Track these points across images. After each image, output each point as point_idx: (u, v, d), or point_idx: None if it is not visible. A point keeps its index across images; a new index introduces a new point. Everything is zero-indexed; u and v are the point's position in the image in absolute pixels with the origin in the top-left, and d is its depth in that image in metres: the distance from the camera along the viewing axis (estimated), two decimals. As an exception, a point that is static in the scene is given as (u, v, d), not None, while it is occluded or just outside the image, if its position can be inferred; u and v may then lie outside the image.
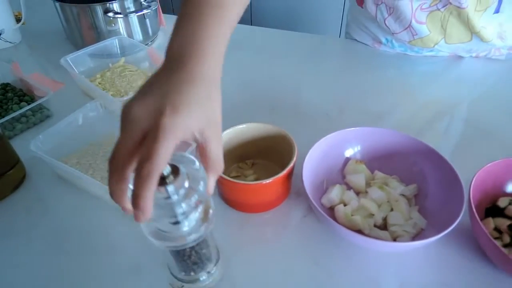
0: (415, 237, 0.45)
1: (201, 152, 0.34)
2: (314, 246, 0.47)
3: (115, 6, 0.78)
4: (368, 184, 0.51)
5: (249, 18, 1.95)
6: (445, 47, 0.78)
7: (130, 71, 0.76)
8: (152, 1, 0.81)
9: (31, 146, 0.52)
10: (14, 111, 0.64)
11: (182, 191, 0.32)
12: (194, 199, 0.33)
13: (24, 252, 0.48)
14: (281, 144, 0.52)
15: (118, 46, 0.79)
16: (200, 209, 0.35)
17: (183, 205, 0.33)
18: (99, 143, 0.60)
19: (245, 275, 0.44)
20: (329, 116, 0.67)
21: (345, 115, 0.67)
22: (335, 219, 0.47)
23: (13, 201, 0.54)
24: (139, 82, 0.72)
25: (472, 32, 0.73)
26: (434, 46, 0.77)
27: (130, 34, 0.84)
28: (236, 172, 0.55)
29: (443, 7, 0.71)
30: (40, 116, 0.67)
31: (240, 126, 0.53)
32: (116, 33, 0.82)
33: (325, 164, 0.52)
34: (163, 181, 0.31)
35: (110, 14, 0.78)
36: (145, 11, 0.80)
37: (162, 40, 0.92)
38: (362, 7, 0.80)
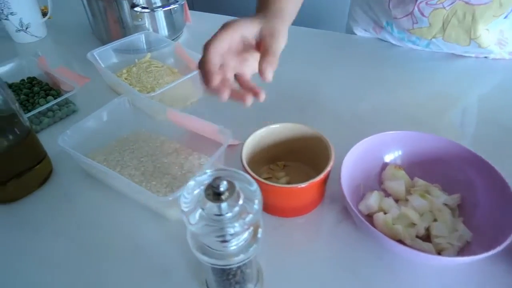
0: (460, 251, 0.42)
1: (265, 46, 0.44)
2: (351, 254, 0.44)
3: (142, 1, 0.77)
4: (408, 192, 0.48)
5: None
6: (442, 44, 0.76)
7: (156, 66, 0.74)
8: (180, -4, 0.79)
9: (58, 141, 0.51)
10: (41, 105, 0.63)
11: (236, 209, 0.30)
12: (247, 219, 0.31)
13: (48, 248, 0.47)
14: (315, 146, 0.50)
15: (144, 41, 0.77)
16: (251, 229, 0.33)
17: (236, 224, 0.31)
18: (126, 140, 0.58)
19: (278, 284, 0.42)
20: (359, 116, 0.64)
21: (376, 115, 0.64)
22: (373, 226, 0.44)
23: (39, 196, 0.53)
24: (166, 78, 0.71)
25: (472, 38, 0.72)
26: (431, 39, 0.76)
27: (155, 30, 0.83)
28: (268, 173, 0.53)
29: (449, 4, 0.69)
30: (67, 110, 0.66)
31: (274, 126, 0.51)
32: (142, 28, 0.81)
33: (362, 168, 0.49)
34: (218, 197, 0.30)
35: (137, 8, 0.77)
36: (172, 6, 0.79)
37: (187, 36, 0.90)
38: None
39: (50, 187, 0.54)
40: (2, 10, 0.83)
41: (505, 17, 0.69)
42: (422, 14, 0.72)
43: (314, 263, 0.44)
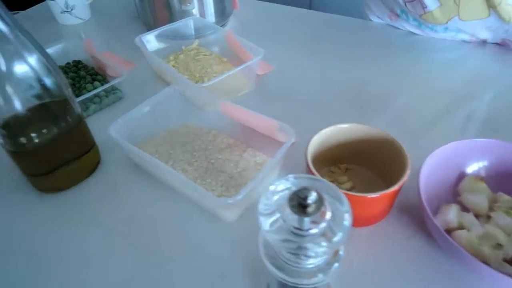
0: (556, 279, 0.37)
1: None
2: (425, 272, 0.40)
3: (192, -15, 0.73)
4: (490, 208, 0.43)
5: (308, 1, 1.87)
6: (460, 24, 0.70)
7: (205, 55, 0.71)
8: (232, -19, 0.75)
9: (109, 130, 0.48)
10: (88, 91, 0.61)
11: (321, 226, 0.27)
12: (335, 239, 0.27)
13: (94, 243, 0.44)
14: (385, 151, 0.45)
15: (193, 28, 0.74)
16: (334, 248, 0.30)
17: (322, 243, 0.27)
18: (176, 132, 0.55)
19: (346, 300, 0.38)
20: (423, 117, 0.59)
21: (446, 119, 0.59)
22: (452, 245, 0.40)
23: (86, 186, 0.51)
24: (215, 67, 0.67)
25: (490, 6, 0.65)
26: (447, 22, 0.70)
27: (203, 15, 0.79)
28: (329, 176, 0.49)
29: None
30: (113, 97, 0.63)
31: (342, 126, 0.46)
32: (188, 13, 0.78)
33: (437, 178, 0.44)
34: (303, 209, 0.26)
35: (188, -8, 0.73)
36: (224, -8, 0.75)
37: (233, 23, 0.86)
38: None
39: (98, 178, 0.52)
40: (48, -10, 0.81)
41: None
42: None
43: (383, 279, 0.40)
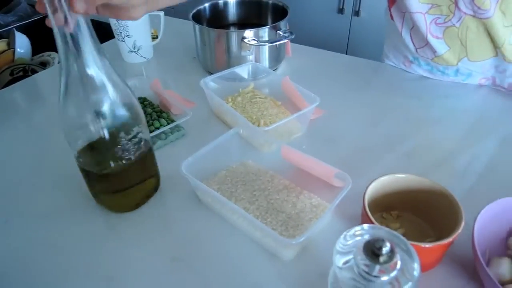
0: None
1: None
2: (478, 325, 0.42)
3: (252, 34, 0.80)
4: (542, 263, 0.45)
5: (345, 48, 1.96)
6: (470, 65, 0.75)
7: (260, 98, 0.76)
8: (289, 32, 0.81)
9: (182, 168, 0.53)
10: (156, 127, 0.67)
11: (392, 275, 0.30)
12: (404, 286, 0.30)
13: (149, 260, 0.49)
14: (439, 202, 0.48)
15: (250, 72, 0.80)
16: None
17: None
18: (236, 171, 0.60)
19: None
20: (470, 170, 0.61)
21: (491, 171, 0.61)
22: (505, 299, 0.41)
23: (143, 212, 0.56)
24: (270, 110, 0.72)
25: (495, 47, 0.70)
26: (458, 64, 0.75)
27: (258, 60, 0.85)
28: (380, 223, 0.52)
29: (458, 21, 0.69)
30: (177, 134, 0.69)
31: (399, 175, 0.50)
32: (246, 59, 0.84)
33: (489, 231, 0.46)
34: (375, 257, 0.30)
35: (249, 41, 0.80)
36: (282, 42, 0.81)
37: (284, 68, 0.92)
38: (392, 20, 0.80)
39: (157, 203, 0.57)
40: (120, 32, 0.91)
41: None
42: (436, 37, 0.73)
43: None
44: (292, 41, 0.91)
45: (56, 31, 0.40)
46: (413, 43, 0.79)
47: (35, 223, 0.55)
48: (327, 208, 0.52)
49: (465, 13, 0.69)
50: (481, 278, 0.43)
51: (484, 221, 0.45)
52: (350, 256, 0.32)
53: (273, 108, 0.73)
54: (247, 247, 0.51)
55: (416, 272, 0.31)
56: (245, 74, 0.81)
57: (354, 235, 0.33)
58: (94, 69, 0.44)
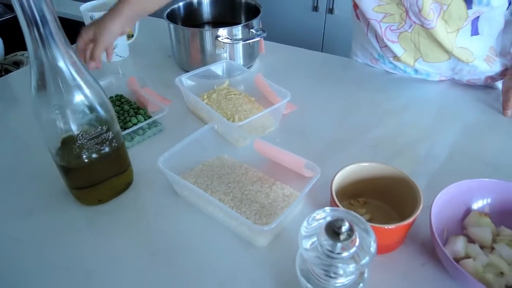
0: (553, 305, 0.42)
1: None
2: (436, 298, 0.45)
3: (225, 33, 0.82)
4: (493, 240, 0.49)
5: (320, 45, 2.01)
6: (426, 65, 0.80)
7: (235, 94, 0.79)
8: (260, 30, 0.84)
9: (158, 163, 0.55)
10: (133, 124, 0.68)
11: (351, 251, 0.33)
12: (362, 262, 0.33)
13: (128, 253, 0.51)
14: (401, 188, 0.52)
15: (224, 69, 0.82)
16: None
17: (349, 266, 0.33)
18: (212, 165, 0.62)
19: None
20: (433, 156, 0.66)
21: (450, 156, 0.65)
22: (460, 273, 0.45)
23: (120, 202, 0.58)
24: (244, 106, 0.75)
25: (447, 51, 0.76)
26: (415, 64, 0.81)
27: (232, 58, 0.88)
28: (348, 209, 0.55)
29: (409, 27, 0.75)
30: (155, 129, 0.71)
31: (363, 164, 0.53)
32: (220, 57, 0.86)
33: (447, 213, 0.50)
34: (336, 236, 0.32)
35: (222, 39, 0.82)
36: (254, 40, 0.84)
37: (258, 65, 0.95)
38: (358, 20, 0.85)
39: (132, 196, 0.59)
40: (95, 32, 0.91)
41: (474, 34, 0.74)
42: (392, 41, 0.78)
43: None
44: (267, 39, 0.93)
45: (23, 25, 0.42)
46: (378, 42, 0.83)
47: (14, 220, 0.56)
48: (298, 197, 0.54)
49: (414, 22, 0.74)
50: (439, 256, 0.47)
51: (441, 203, 0.49)
52: (315, 239, 0.35)
53: (247, 104, 0.76)
54: (223, 236, 0.53)
55: (373, 249, 0.34)
56: (219, 72, 0.83)
57: (317, 219, 0.36)
58: (62, 63, 0.45)
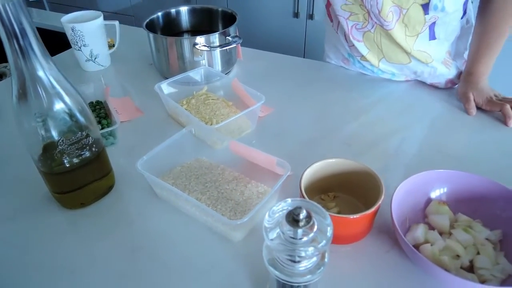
0: (503, 283, 0.46)
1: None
2: (398, 282, 0.49)
3: (202, 40, 0.86)
4: (451, 226, 0.52)
5: (302, 51, 2.06)
6: (390, 66, 0.86)
7: (213, 99, 0.82)
8: (236, 37, 0.87)
9: (137, 165, 0.58)
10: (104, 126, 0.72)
11: (310, 236, 0.36)
12: (320, 245, 0.36)
13: (110, 252, 0.53)
14: (366, 181, 0.55)
15: (203, 75, 0.85)
16: (320, 254, 0.39)
17: (309, 248, 0.36)
18: (190, 166, 0.65)
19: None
20: (403, 151, 0.69)
21: (416, 150, 0.69)
22: (420, 257, 0.49)
23: (102, 205, 0.61)
24: (222, 110, 0.78)
25: (407, 53, 0.81)
26: (379, 65, 0.86)
27: (211, 65, 0.91)
28: (319, 203, 0.58)
29: (372, 27, 0.80)
30: (105, 142, 0.71)
31: (329, 160, 0.56)
32: (199, 63, 0.89)
33: (408, 202, 0.54)
34: (296, 223, 0.36)
35: (199, 47, 0.85)
36: (231, 46, 0.87)
37: (237, 71, 0.98)
38: (330, 19, 0.89)
39: (113, 199, 0.62)
40: (76, 42, 0.94)
41: (432, 39, 0.80)
42: (357, 40, 0.83)
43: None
44: (249, 45, 0.97)
45: (3, 37, 0.44)
46: (346, 41, 0.88)
47: (-2, 226, 0.58)
48: (272, 193, 0.57)
49: (375, 23, 0.78)
50: (400, 243, 0.50)
51: (402, 194, 0.52)
52: (278, 229, 0.38)
53: (225, 108, 0.79)
54: (201, 233, 0.56)
55: (329, 233, 0.37)
56: (198, 78, 0.86)
57: (278, 211, 0.39)
58: (41, 72, 0.48)
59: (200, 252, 0.53)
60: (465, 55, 0.86)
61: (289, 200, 0.39)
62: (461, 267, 0.48)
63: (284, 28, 2.06)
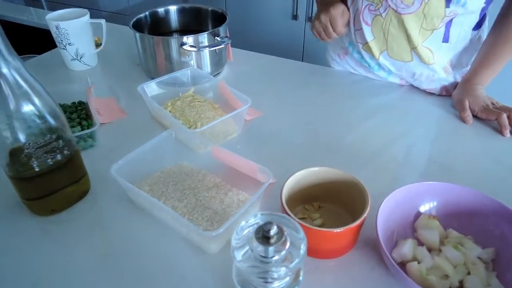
0: (494, 306, 0.43)
1: None
2: (383, 302, 0.45)
3: (190, 40, 0.83)
4: (441, 242, 0.49)
5: (301, 53, 2.03)
6: (389, 61, 0.83)
7: (199, 101, 0.79)
8: (226, 38, 0.84)
9: (111, 170, 0.55)
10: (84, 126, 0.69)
11: (282, 254, 0.33)
12: (292, 265, 0.33)
13: (78, 263, 0.50)
14: (351, 191, 0.52)
15: (189, 76, 0.82)
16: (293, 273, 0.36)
17: (281, 268, 0.33)
18: (169, 171, 0.62)
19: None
20: (391, 160, 0.66)
21: (408, 159, 0.66)
22: (407, 275, 0.45)
23: (77, 212, 0.57)
24: (208, 113, 0.75)
25: (411, 47, 0.79)
26: (379, 57, 0.83)
27: (199, 66, 0.88)
28: (303, 214, 0.55)
29: (384, 11, 0.77)
30: (84, 144, 0.69)
31: (313, 169, 0.53)
32: (187, 64, 0.86)
33: (396, 216, 0.51)
34: (266, 240, 0.32)
35: (186, 47, 0.82)
36: (219, 47, 0.84)
37: (227, 72, 0.95)
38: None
39: (87, 205, 0.59)
40: (61, 40, 0.91)
41: (445, 41, 0.77)
42: (366, 23, 0.81)
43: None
44: (244, 47, 0.94)
45: None
46: (354, 24, 0.85)
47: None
48: (253, 202, 0.54)
49: (389, 5, 0.76)
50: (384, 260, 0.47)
51: (390, 206, 0.49)
52: (247, 247, 0.35)
53: (211, 111, 0.76)
54: (176, 243, 0.53)
55: (302, 251, 0.34)
56: (185, 79, 0.83)
57: (247, 226, 0.35)
58: (5, 70, 0.45)
59: (173, 264, 0.50)
60: (464, 71, 0.84)
61: (258, 214, 0.36)
62: (450, 288, 0.45)
63: (283, 31, 2.04)
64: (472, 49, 0.82)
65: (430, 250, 0.49)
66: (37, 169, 0.52)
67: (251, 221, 0.35)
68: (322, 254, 0.50)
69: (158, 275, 0.49)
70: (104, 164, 0.64)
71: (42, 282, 0.48)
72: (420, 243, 0.50)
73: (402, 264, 0.48)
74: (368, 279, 0.48)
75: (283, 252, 0.33)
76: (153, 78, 0.87)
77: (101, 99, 0.83)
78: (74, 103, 0.79)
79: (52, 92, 0.78)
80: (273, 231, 0.33)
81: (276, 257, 0.33)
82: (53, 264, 0.50)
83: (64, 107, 0.77)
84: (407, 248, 0.47)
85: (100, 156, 0.68)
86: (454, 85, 0.84)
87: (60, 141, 0.53)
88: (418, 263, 0.46)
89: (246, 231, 0.35)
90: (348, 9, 0.83)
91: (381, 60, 0.84)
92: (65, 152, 0.54)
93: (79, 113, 0.75)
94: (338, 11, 0.80)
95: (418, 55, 0.79)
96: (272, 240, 0.33)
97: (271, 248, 0.33)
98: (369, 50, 0.84)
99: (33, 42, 1.35)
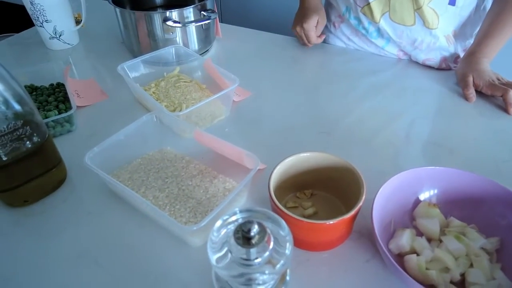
0: (499, 302, 0.39)
1: None
2: (379, 297, 0.42)
3: (174, 15, 0.77)
4: (442, 232, 0.46)
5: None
6: (390, 25, 0.79)
7: (185, 81, 0.74)
8: (212, 12, 0.79)
9: (85, 159, 0.50)
10: (47, 118, 0.63)
11: (265, 255, 0.29)
12: (277, 267, 0.29)
13: (53, 257, 0.47)
14: (345, 177, 0.48)
15: (174, 55, 0.77)
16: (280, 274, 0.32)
17: (265, 271, 0.29)
18: (151, 158, 0.58)
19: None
20: (388, 142, 0.62)
21: (406, 142, 0.62)
22: (404, 268, 0.42)
23: (51, 202, 0.54)
24: (194, 94, 0.70)
25: (416, 8, 0.74)
26: (380, 21, 0.78)
27: (186, 43, 0.82)
28: (294, 202, 0.52)
29: None
30: (60, 129, 0.64)
31: (304, 154, 0.49)
32: (172, 41, 0.81)
33: (394, 203, 0.47)
34: (247, 241, 0.28)
35: (169, 23, 0.77)
36: (204, 22, 0.78)
37: (216, 50, 0.90)
38: None
39: (63, 194, 0.55)
40: (37, 17, 0.85)
41: (451, 4, 0.74)
42: None
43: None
44: (243, 24, 0.88)
45: None
46: None
47: None
48: (239, 190, 0.50)
49: None
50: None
51: (387, 194, 0.45)
52: (226, 249, 0.31)
53: (197, 92, 0.71)
54: (158, 236, 0.49)
55: (288, 251, 0.30)
56: (170, 57, 0.78)
57: (225, 225, 0.31)
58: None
59: (153, 258, 0.47)
60: (467, 43, 0.79)
61: (237, 210, 0.32)
62: (451, 282, 0.41)
63: (283, 7, 1.96)
64: (477, 19, 0.77)
65: (429, 240, 0.45)
66: (4, 158, 0.48)
67: (229, 219, 0.31)
68: (314, 246, 0.47)
69: (138, 269, 0.45)
70: (82, 150, 0.59)
71: (15, 277, 0.45)
72: (419, 233, 0.47)
73: (400, 256, 0.44)
74: (362, 272, 0.44)
75: (267, 254, 0.30)
76: (136, 57, 0.82)
77: (81, 80, 0.78)
78: (52, 84, 0.74)
79: (29, 72, 0.75)
80: (254, 230, 0.29)
81: (259, 259, 0.30)
82: (27, 258, 0.47)
83: (41, 89, 0.72)
84: (405, 239, 0.44)
85: (78, 142, 0.64)
86: (455, 57, 0.79)
87: (28, 128, 0.48)
88: (417, 255, 0.43)
89: (223, 231, 0.31)
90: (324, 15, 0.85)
91: (381, 23, 0.79)
92: (35, 139, 0.49)
93: (56, 96, 0.70)
94: (311, 25, 0.82)
95: (421, 17, 0.74)
96: (254, 241, 0.29)
97: (253, 250, 0.29)
98: (369, 12, 0.79)
99: (11, 19, 1.28)
